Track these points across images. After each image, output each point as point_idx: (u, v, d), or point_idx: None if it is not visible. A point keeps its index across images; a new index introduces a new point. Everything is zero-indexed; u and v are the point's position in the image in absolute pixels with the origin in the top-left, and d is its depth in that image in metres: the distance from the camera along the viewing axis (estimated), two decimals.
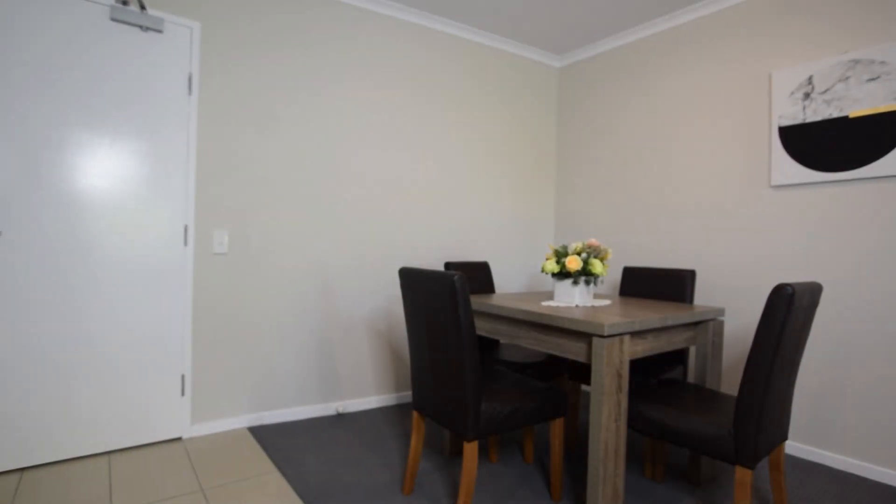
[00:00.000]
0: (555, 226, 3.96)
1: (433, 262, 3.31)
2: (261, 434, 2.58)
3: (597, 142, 3.63)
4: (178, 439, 2.49)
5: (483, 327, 2.24)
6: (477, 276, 2.92)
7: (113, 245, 2.31)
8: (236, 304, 2.63)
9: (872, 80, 2.30)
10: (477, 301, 2.21)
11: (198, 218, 2.51)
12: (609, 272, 3.51)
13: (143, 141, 2.37)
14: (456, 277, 1.66)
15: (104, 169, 2.28)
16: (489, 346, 2.78)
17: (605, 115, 3.57)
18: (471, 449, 1.73)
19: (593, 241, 2.15)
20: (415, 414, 2.02)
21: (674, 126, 3.14)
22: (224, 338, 2.60)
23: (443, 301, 1.72)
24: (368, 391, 3.08)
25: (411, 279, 1.90)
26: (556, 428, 1.98)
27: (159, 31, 2.39)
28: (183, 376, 2.49)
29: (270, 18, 2.69)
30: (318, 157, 2.85)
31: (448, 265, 2.79)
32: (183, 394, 2.49)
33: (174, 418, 2.48)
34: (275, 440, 2.51)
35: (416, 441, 2.02)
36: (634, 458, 2.43)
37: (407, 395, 3.24)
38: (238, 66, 2.60)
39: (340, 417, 2.88)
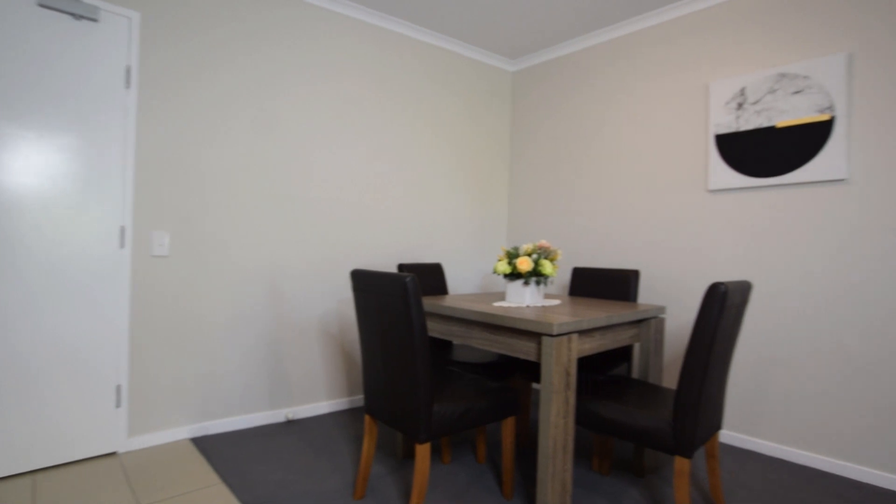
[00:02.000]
0: (508, 227, 4.02)
1: (387, 263, 3.28)
2: (205, 445, 2.47)
3: (548, 146, 3.72)
4: (113, 454, 2.34)
5: (436, 329, 2.24)
6: (430, 277, 2.92)
7: (41, 248, 2.15)
8: (178, 308, 2.51)
9: (797, 92, 2.48)
10: (430, 302, 2.21)
11: (136, 218, 2.38)
12: (559, 273, 3.60)
13: (76, 136, 2.22)
14: (408, 279, 1.65)
15: (31, 165, 2.12)
16: (442, 347, 2.79)
17: (556, 120, 3.67)
18: (423, 451, 1.73)
19: (543, 242, 2.20)
20: (367, 418, 2.00)
21: (620, 132, 3.26)
22: (165, 345, 2.47)
23: (395, 303, 1.71)
24: (320, 396, 3.02)
25: (363, 281, 1.88)
26: (508, 427, 2.00)
27: (94, 20, 2.25)
28: (118, 387, 2.35)
29: (218, 13, 2.59)
30: (268, 156, 2.77)
31: (401, 267, 2.78)
32: (118, 405, 2.35)
33: (108, 432, 2.33)
34: (220, 450, 2.41)
35: (367, 445, 1.99)
36: (583, 452, 2.50)
37: (360, 399, 3.19)
38: (182, 61, 2.49)
39: (290, 424, 2.80)
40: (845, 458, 2.33)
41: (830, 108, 2.37)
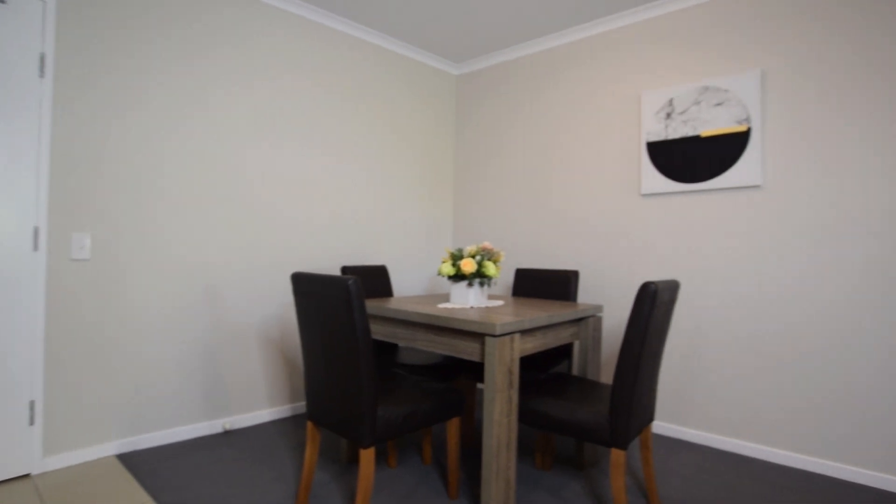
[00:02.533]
0: (454, 230, 4.06)
1: (330, 266, 3.22)
2: (134, 461, 2.32)
3: (491, 149, 3.79)
4: (27, 476, 2.15)
5: (380, 331, 2.22)
6: (375, 280, 2.89)
7: None
8: (101, 316, 2.34)
9: (719, 104, 2.67)
10: (374, 305, 2.19)
11: (52, 219, 2.20)
12: (503, 274, 3.67)
13: None
14: (351, 282, 1.63)
15: None
16: (387, 350, 2.77)
17: (499, 124, 3.74)
18: (367, 455, 1.71)
19: (487, 244, 2.24)
20: (309, 424, 1.95)
21: (559, 137, 3.38)
22: (86, 355, 2.30)
23: (337, 306, 1.68)
24: (260, 404, 2.91)
25: (304, 284, 1.83)
26: (453, 427, 2.02)
27: (2, 2, 2.06)
28: (32, 402, 2.16)
29: (144, 0, 2.44)
30: (202, 154, 2.64)
31: (345, 269, 2.73)
32: (32, 423, 2.16)
33: (21, 452, 2.13)
34: (151, 466, 2.27)
35: (310, 452, 1.94)
36: (526, 450, 2.56)
37: (303, 406, 3.11)
38: (105, 50, 2.33)
39: (229, 434, 2.68)
40: (765, 442, 2.52)
41: (747, 119, 2.57)
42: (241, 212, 2.80)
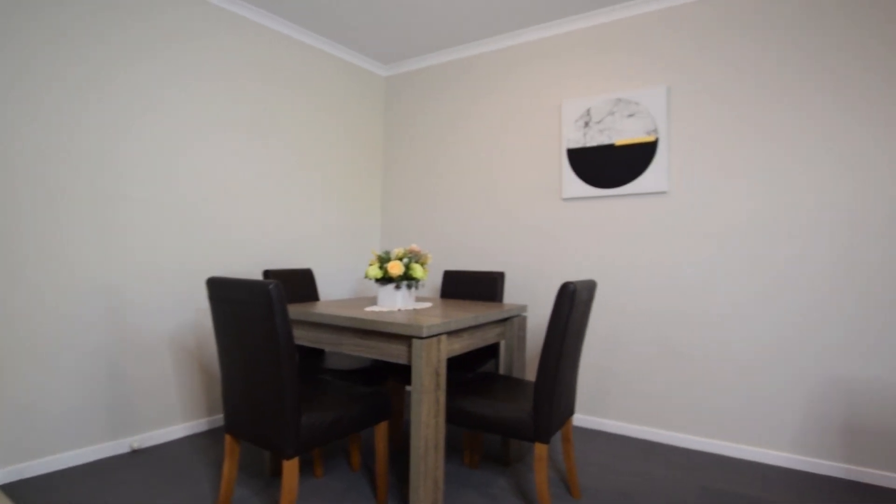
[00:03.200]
0: (382, 232, 4.02)
1: (252, 270, 3.07)
2: (21, 491, 2.07)
3: (419, 152, 3.80)
4: None
5: (305, 337, 2.15)
6: (300, 284, 2.80)
7: None
8: None
9: (631, 116, 2.86)
10: (298, 310, 2.12)
11: None
12: (432, 276, 3.70)
13: None
14: (272, 286, 1.57)
15: None
16: (313, 355, 2.69)
17: (427, 128, 3.77)
18: (291, 466, 1.65)
19: (414, 246, 2.24)
20: (227, 437, 1.85)
21: (486, 142, 3.46)
22: None
23: (257, 312, 1.61)
24: (174, 419, 2.71)
25: (221, 290, 1.73)
26: (381, 431, 2.00)
27: None
28: None
29: None
30: (107, 151, 2.42)
31: (267, 273, 2.62)
32: None
33: None
34: (43, 495, 2.04)
35: (229, 467, 1.84)
36: (454, 449, 2.59)
37: (221, 419, 2.94)
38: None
39: (137, 454, 2.48)
40: (674, 429, 2.73)
41: (655, 130, 2.78)
42: (151, 214, 2.60)
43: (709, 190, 2.65)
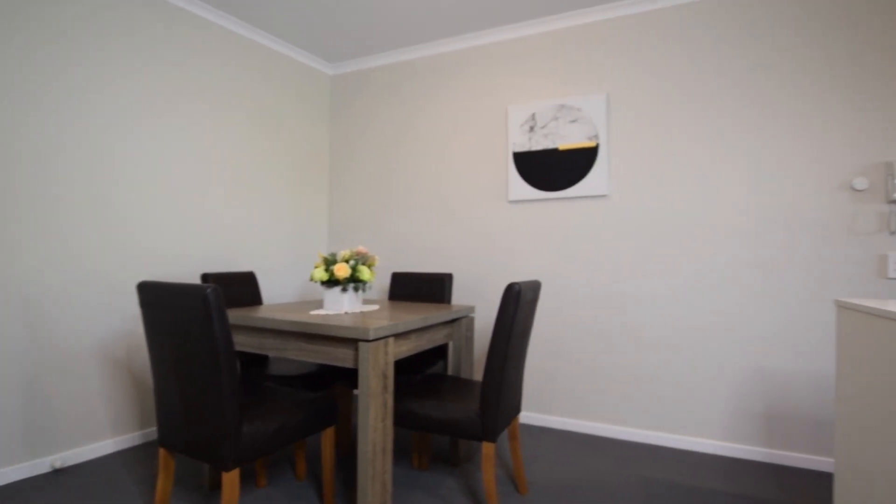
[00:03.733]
0: (329, 233, 3.94)
1: (189, 273, 2.92)
2: None
3: (367, 153, 3.76)
4: None
5: (247, 342, 2.07)
6: (242, 287, 2.69)
7: None
8: None
9: (573, 121, 2.96)
10: (239, 315, 2.04)
11: None
12: (380, 278, 3.66)
13: None
14: (209, 290, 1.50)
15: None
16: (257, 362, 2.60)
17: (374, 129, 3.73)
18: (231, 479, 1.58)
19: (361, 248, 2.21)
20: (161, 451, 1.75)
21: (433, 144, 3.47)
22: None
23: (194, 318, 1.53)
24: (102, 434, 2.53)
25: (154, 295, 1.64)
26: (327, 437, 1.96)
27: None
28: None
29: None
30: (24, 146, 2.23)
31: (206, 277, 2.51)
32: None
33: None
34: None
35: (163, 482, 1.74)
36: (403, 451, 2.58)
37: (155, 432, 2.77)
38: None
39: (59, 474, 2.29)
40: (614, 423, 2.85)
41: (596, 136, 2.89)
42: (76, 212, 2.41)
43: (645, 193, 2.79)
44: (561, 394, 3.00)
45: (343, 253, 2.17)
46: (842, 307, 1.52)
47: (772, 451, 2.49)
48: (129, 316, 2.65)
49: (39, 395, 2.30)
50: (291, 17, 3.11)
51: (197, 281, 2.96)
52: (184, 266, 2.90)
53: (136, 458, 2.47)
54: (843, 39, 2.40)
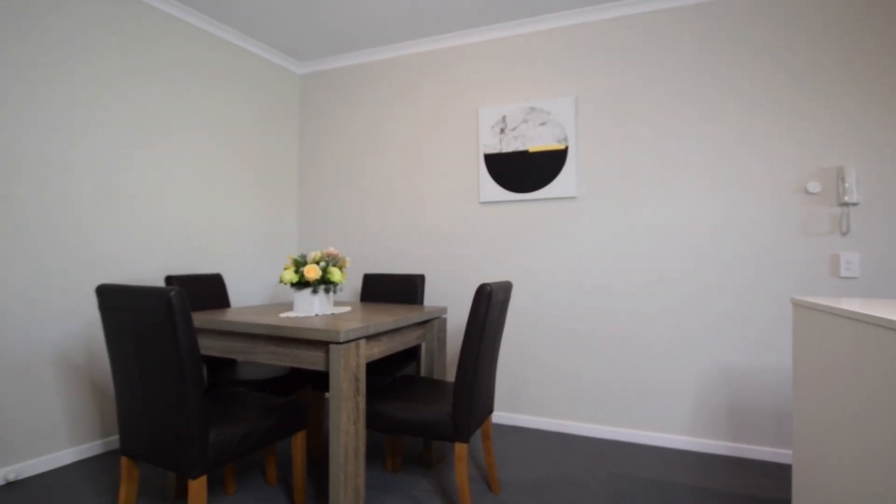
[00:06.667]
0: (299, 236, 3.89)
1: (152, 276, 2.83)
2: None
3: (337, 153, 3.72)
4: None
5: (214, 346, 2.02)
6: (208, 290, 2.63)
7: None
8: None
9: (543, 124, 3.00)
10: (205, 318, 1.99)
11: None
12: (351, 279, 3.63)
13: None
14: (173, 293, 1.46)
15: None
16: (224, 366, 2.54)
17: (345, 128, 3.70)
18: (197, 486, 1.54)
19: (332, 249, 2.19)
20: (124, 460, 1.69)
21: (406, 145, 3.46)
22: None
23: (156, 322, 1.49)
24: (59, 444, 2.43)
25: (114, 298, 1.58)
26: (298, 442, 1.93)
27: None
28: None
29: None
30: None
31: (170, 279, 2.43)
32: None
33: None
34: None
35: (126, 492, 1.68)
36: (376, 454, 2.56)
37: (117, 441, 2.67)
38: None
39: (13, 486, 2.19)
40: (584, 420, 2.90)
41: (565, 139, 2.94)
42: (29, 212, 2.31)
43: (613, 195, 2.85)
44: (531, 393, 3.03)
45: (313, 254, 2.15)
46: (797, 305, 1.59)
47: (735, 445, 2.58)
48: (90, 321, 2.55)
49: None
50: (259, 14, 3.06)
51: (161, 284, 2.87)
52: (146, 268, 2.81)
53: (97, 468, 2.38)
54: (796, 48, 2.51)
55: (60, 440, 2.43)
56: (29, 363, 2.32)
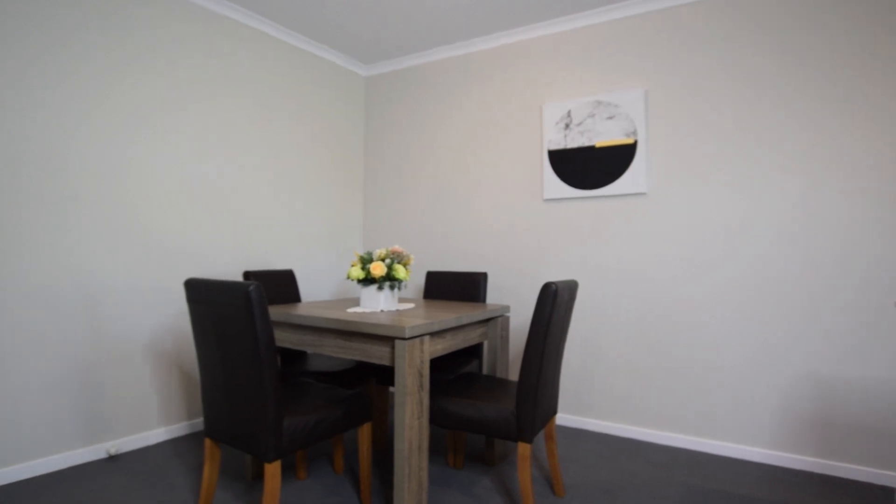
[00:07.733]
0: (363, 233, 4.01)
1: (232, 271, 3.03)
2: None
3: (401, 153, 3.80)
4: None
5: (287, 339, 2.13)
6: (281, 285, 2.77)
7: None
8: None
9: (610, 118, 2.90)
10: (279, 311, 2.10)
11: None
12: (415, 277, 3.69)
13: None
14: (252, 288, 1.55)
15: None
16: (295, 357, 2.67)
17: (408, 128, 3.76)
18: (273, 470, 1.63)
19: (397, 247, 2.24)
20: (207, 441, 1.82)
21: (468, 143, 3.47)
22: None
23: (237, 314, 1.59)
24: (152, 423, 2.66)
25: (200, 291, 1.71)
26: (364, 433, 1.99)
27: None
28: None
29: None
30: (80, 148, 2.37)
31: (248, 274, 2.59)
32: None
33: None
34: (15, 503, 1.99)
35: (209, 471, 1.82)
36: (438, 450, 2.60)
37: (201, 423, 2.89)
38: None
39: (114, 460, 2.43)
40: (654, 427, 2.77)
41: (634, 133, 2.82)
42: (127, 212, 2.54)
43: (687, 191, 2.70)
44: (599, 396, 2.94)
45: (379, 251, 2.20)
46: None
47: (825, 462, 2.37)
48: (178, 313, 2.77)
49: (95, 386, 2.44)
50: (326, 19, 3.17)
51: (240, 278, 3.07)
52: (230, 265, 3.01)
53: (183, 447, 2.59)
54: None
55: (152, 420, 2.67)
56: (129, 351, 2.56)
